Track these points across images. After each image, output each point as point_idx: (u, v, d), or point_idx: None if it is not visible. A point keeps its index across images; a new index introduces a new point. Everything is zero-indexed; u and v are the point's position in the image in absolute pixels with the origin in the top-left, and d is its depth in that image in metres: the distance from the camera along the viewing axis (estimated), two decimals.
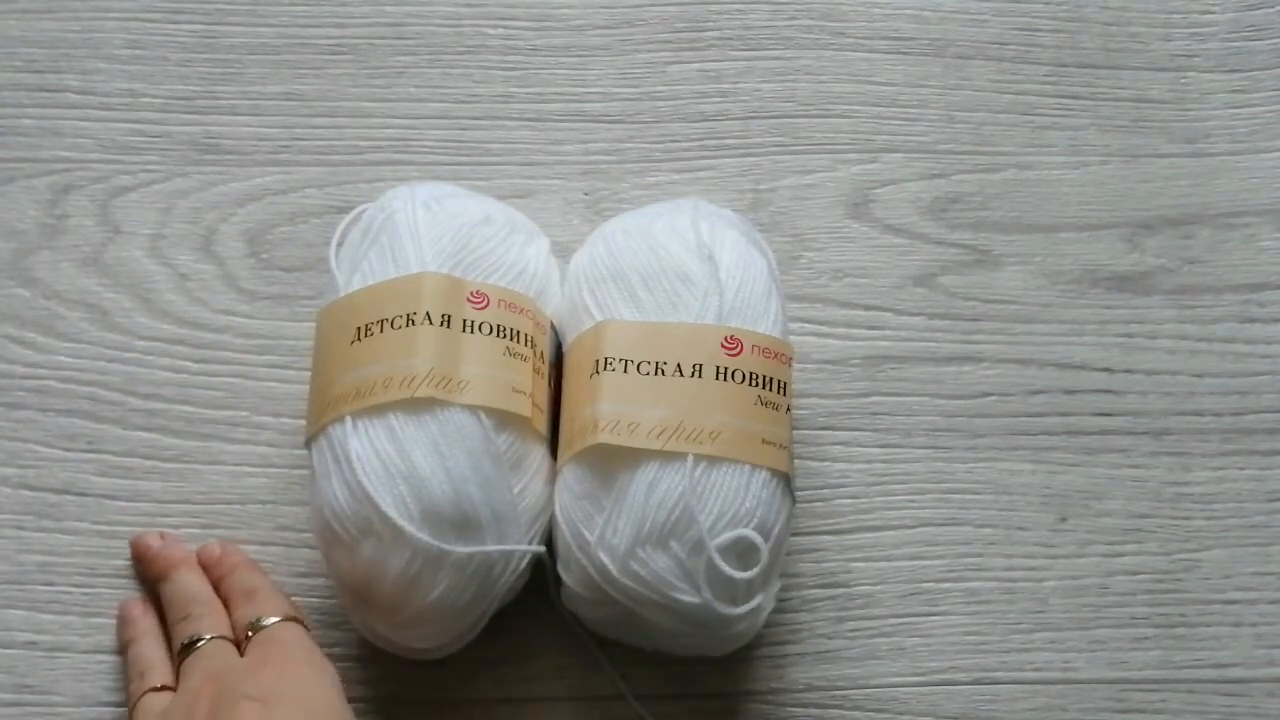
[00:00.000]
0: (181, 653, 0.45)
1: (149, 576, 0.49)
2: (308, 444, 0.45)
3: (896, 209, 0.56)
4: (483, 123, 0.57)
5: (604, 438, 0.43)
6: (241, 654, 0.45)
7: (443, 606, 0.43)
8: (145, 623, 0.48)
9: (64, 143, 0.56)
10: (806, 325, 0.54)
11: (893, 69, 0.58)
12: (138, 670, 0.46)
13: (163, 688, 0.45)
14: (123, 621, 0.48)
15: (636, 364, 0.44)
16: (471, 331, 0.44)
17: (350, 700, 0.44)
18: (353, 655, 0.49)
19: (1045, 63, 0.58)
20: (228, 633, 0.46)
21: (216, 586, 0.48)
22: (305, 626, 0.46)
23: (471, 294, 0.45)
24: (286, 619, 0.45)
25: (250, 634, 0.45)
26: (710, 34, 0.58)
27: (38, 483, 0.51)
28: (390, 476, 0.42)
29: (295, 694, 0.42)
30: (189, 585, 0.48)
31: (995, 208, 0.56)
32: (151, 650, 0.47)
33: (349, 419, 0.43)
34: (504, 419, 0.44)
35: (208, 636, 0.45)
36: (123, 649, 0.48)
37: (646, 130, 0.57)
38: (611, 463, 0.44)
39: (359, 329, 0.44)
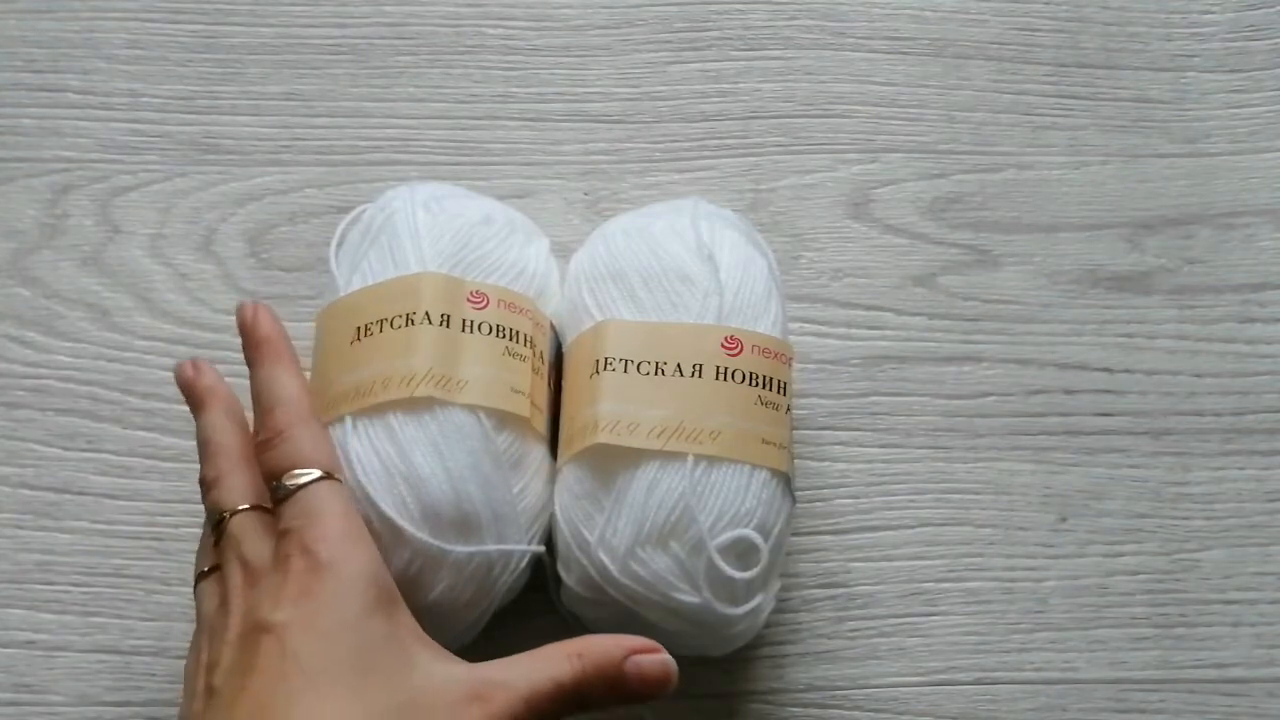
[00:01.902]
0: (214, 533, 0.41)
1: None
2: None
3: (896, 209, 0.56)
4: (483, 123, 0.57)
5: (604, 438, 0.43)
6: (273, 514, 0.40)
7: (442, 607, 0.43)
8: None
9: (64, 143, 0.56)
10: (806, 325, 0.54)
11: (893, 69, 0.58)
12: (200, 543, 0.43)
13: (210, 570, 0.41)
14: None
15: (636, 364, 0.44)
16: (471, 331, 0.44)
17: None
18: None
19: (1045, 63, 0.58)
20: (255, 495, 0.41)
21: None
22: (341, 480, 0.41)
23: (471, 294, 0.45)
24: (322, 477, 0.40)
25: (276, 498, 0.40)
26: (710, 34, 0.58)
27: (37, 482, 0.51)
28: (390, 476, 0.42)
29: (317, 616, 0.37)
30: (211, 431, 0.42)
31: (995, 208, 0.56)
32: (206, 528, 0.42)
33: (348, 419, 0.43)
34: (503, 419, 0.44)
35: (229, 512, 0.40)
36: None
37: (646, 130, 0.57)
38: (611, 463, 0.44)
39: (358, 329, 0.44)
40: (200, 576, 0.41)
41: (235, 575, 0.39)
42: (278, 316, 0.44)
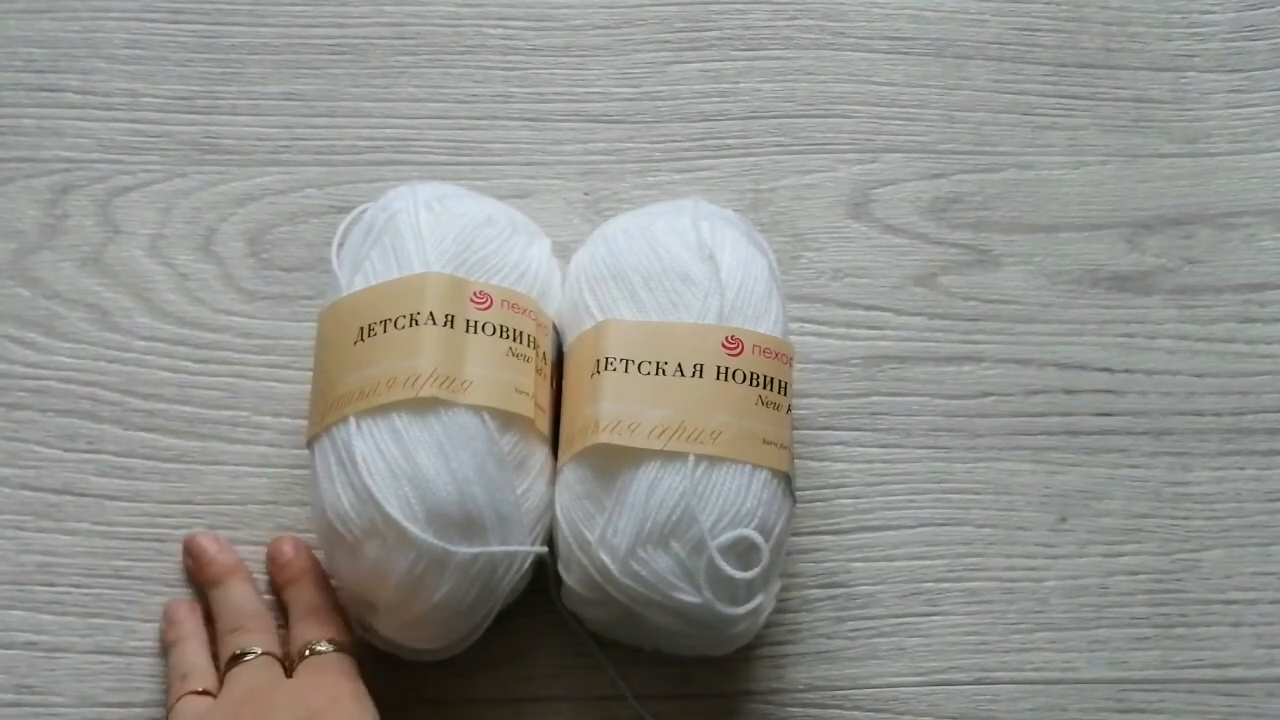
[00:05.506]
0: (230, 662, 0.45)
1: (201, 580, 0.49)
2: (310, 445, 0.45)
3: (896, 209, 0.56)
4: (483, 123, 0.57)
5: (605, 437, 0.43)
6: (289, 673, 0.45)
7: (447, 608, 0.43)
8: (191, 624, 0.48)
9: (64, 143, 0.55)
10: (806, 325, 0.54)
11: (893, 69, 0.58)
12: (179, 672, 0.46)
13: (204, 692, 0.45)
14: (168, 621, 0.48)
15: (637, 364, 0.44)
16: (474, 332, 0.44)
17: None
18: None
19: (1045, 63, 0.58)
20: (278, 651, 0.46)
21: (280, 589, 0.48)
22: (354, 658, 0.46)
23: (475, 294, 0.45)
24: (341, 649, 0.45)
25: (305, 654, 0.45)
26: (710, 34, 0.58)
27: (37, 483, 0.51)
28: (395, 478, 0.42)
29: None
30: (242, 597, 0.48)
31: (995, 208, 0.56)
32: (195, 654, 0.47)
33: (353, 420, 0.43)
34: (507, 420, 0.44)
35: (258, 651, 0.45)
36: (165, 649, 0.48)
37: (646, 130, 0.57)
38: (612, 463, 0.44)
39: (362, 329, 0.44)
40: (188, 693, 0.45)
41: (241, 693, 0.44)
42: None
